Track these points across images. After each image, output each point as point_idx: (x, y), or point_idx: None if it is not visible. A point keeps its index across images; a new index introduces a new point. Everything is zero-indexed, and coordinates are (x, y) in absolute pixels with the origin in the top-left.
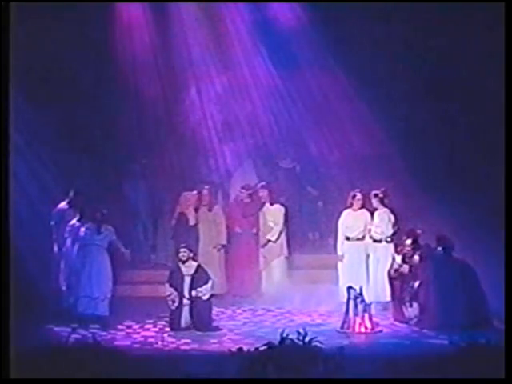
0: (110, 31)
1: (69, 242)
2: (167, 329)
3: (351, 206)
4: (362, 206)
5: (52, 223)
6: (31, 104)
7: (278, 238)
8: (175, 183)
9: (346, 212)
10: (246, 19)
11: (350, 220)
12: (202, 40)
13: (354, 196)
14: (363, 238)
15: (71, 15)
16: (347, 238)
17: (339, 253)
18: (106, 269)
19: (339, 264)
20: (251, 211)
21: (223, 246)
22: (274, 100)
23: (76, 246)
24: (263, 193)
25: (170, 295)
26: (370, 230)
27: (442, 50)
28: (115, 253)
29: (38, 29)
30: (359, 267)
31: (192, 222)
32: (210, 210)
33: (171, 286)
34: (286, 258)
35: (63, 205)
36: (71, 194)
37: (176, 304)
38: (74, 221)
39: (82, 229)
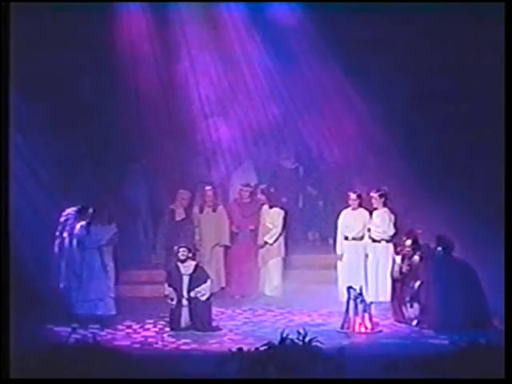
0: (110, 31)
1: (67, 241)
2: (167, 329)
3: (349, 205)
4: (361, 206)
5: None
6: (31, 104)
7: (275, 241)
8: (175, 183)
9: (344, 212)
10: (247, 19)
11: (349, 220)
12: (203, 40)
13: (351, 196)
14: (362, 237)
15: (71, 15)
16: (346, 238)
17: (338, 252)
18: (105, 268)
19: (338, 264)
20: (251, 211)
21: (226, 246)
22: (274, 100)
23: (74, 246)
24: (261, 197)
25: (168, 295)
26: (369, 230)
27: (442, 49)
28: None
29: (38, 29)
30: (358, 267)
31: (178, 217)
32: (214, 211)
33: (170, 285)
34: (283, 258)
35: (64, 205)
36: (72, 194)
37: (175, 303)
38: (71, 220)
39: (80, 228)
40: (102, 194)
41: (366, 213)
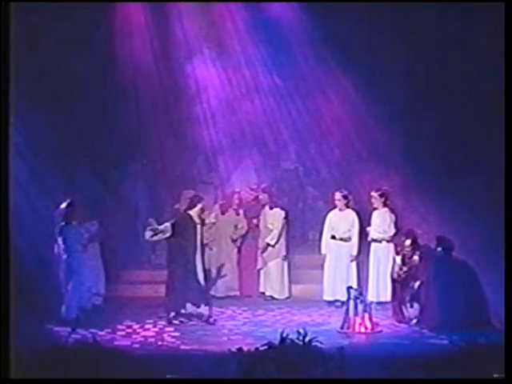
0: (110, 31)
1: (60, 242)
2: (168, 328)
3: (336, 206)
4: (348, 207)
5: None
6: (31, 104)
7: (276, 242)
8: (175, 183)
9: (331, 212)
10: (246, 19)
11: (334, 220)
12: (202, 40)
13: (336, 195)
14: (349, 238)
15: (71, 15)
16: (333, 237)
17: (323, 252)
18: (81, 272)
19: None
20: (255, 212)
21: (239, 248)
22: (273, 100)
23: (55, 248)
24: (263, 196)
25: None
26: (361, 232)
27: (442, 49)
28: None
29: (38, 29)
30: (342, 268)
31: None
32: (237, 214)
33: None
34: (283, 259)
35: (63, 205)
36: (72, 194)
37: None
38: (64, 222)
39: (70, 229)
40: (101, 194)
41: (354, 214)
